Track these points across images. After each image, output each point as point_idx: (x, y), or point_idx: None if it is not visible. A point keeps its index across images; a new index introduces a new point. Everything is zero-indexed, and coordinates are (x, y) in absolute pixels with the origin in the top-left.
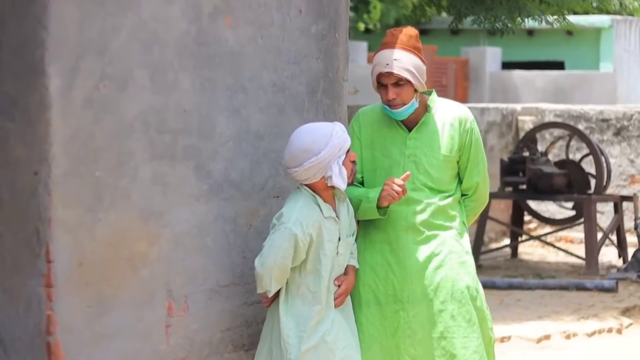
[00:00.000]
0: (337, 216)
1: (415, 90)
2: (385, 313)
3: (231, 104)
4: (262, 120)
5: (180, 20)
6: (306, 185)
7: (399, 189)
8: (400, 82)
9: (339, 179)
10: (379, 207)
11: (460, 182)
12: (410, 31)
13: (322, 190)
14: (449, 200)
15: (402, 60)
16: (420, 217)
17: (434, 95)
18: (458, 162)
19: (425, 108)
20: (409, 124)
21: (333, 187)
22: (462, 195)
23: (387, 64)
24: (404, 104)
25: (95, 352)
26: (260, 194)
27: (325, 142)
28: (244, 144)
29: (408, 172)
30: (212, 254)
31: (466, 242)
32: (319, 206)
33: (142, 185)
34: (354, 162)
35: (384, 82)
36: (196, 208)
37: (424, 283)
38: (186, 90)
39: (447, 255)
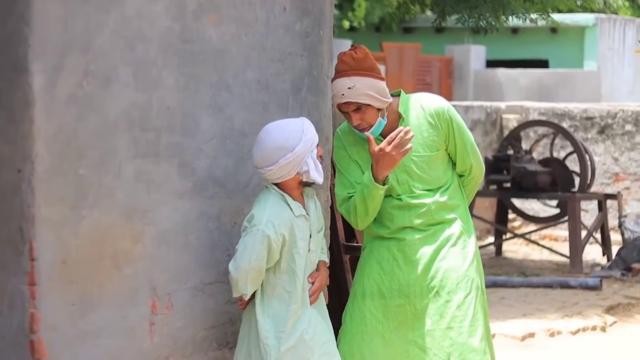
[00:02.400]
0: (306, 213)
1: (379, 109)
2: (389, 307)
3: (215, 102)
4: (246, 118)
5: (164, 18)
6: (275, 184)
7: (383, 147)
8: (360, 107)
9: (316, 173)
10: (378, 184)
11: (454, 165)
12: (359, 53)
13: (293, 188)
14: (449, 191)
15: (357, 87)
16: (423, 219)
17: (403, 95)
18: (447, 151)
19: (398, 115)
20: (387, 133)
21: (304, 185)
22: (460, 176)
23: (343, 94)
24: (371, 125)
25: (79, 350)
26: (244, 192)
27: (298, 137)
28: (228, 141)
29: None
30: (196, 252)
31: (470, 230)
32: (288, 205)
33: (125, 183)
34: (321, 157)
35: (345, 110)
36: (180, 206)
37: (430, 276)
38: (170, 88)
39: (451, 247)
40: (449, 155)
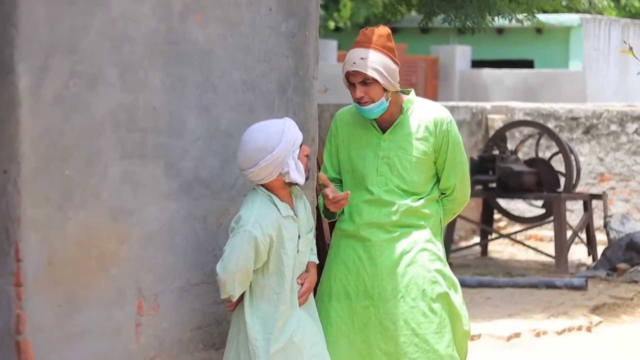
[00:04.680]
0: (295, 214)
1: (385, 90)
2: (354, 308)
3: (201, 102)
4: (232, 119)
5: (150, 19)
6: (262, 185)
7: (330, 201)
8: (367, 80)
9: (297, 174)
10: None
11: (438, 181)
12: (381, 30)
13: (279, 189)
14: (423, 201)
15: (370, 59)
16: (392, 218)
17: (412, 95)
18: (435, 163)
19: (401, 109)
20: (384, 125)
21: (290, 185)
22: (441, 194)
23: (354, 63)
24: (373, 102)
25: (65, 351)
26: (230, 193)
27: (278, 138)
28: (214, 142)
29: (348, 192)
30: (182, 253)
31: (440, 241)
32: (276, 206)
33: (112, 184)
34: (307, 156)
35: (352, 80)
36: (166, 206)
37: (395, 280)
38: (156, 89)
39: (418, 252)
40: (436, 170)
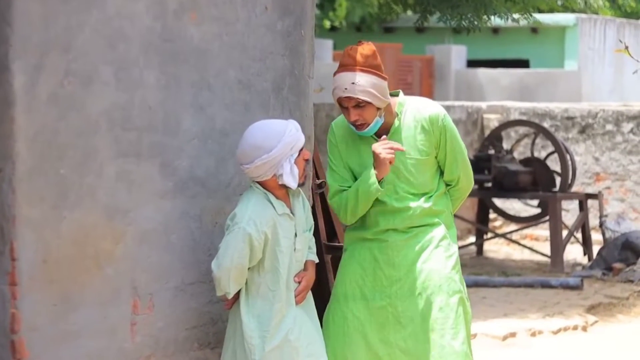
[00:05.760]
0: (291, 212)
1: (378, 108)
2: (370, 308)
3: (196, 101)
4: (228, 117)
5: (145, 17)
6: (258, 182)
7: (385, 149)
8: (360, 104)
9: (290, 178)
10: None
11: (442, 173)
12: (366, 50)
13: (275, 188)
14: (433, 198)
15: (361, 83)
16: (406, 222)
17: (402, 97)
18: (436, 158)
19: (394, 114)
20: (382, 132)
21: (284, 187)
22: (446, 185)
23: (346, 89)
24: (368, 124)
25: (60, 350)
26: (225, 191)
27: (277, 139)
28: (210, 141)
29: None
30: (178, 252)
31: (453, 236)
32: (271, 203)
33: (107, 183)
34: (307, 160)
35: (345, 104)
36: (161, 205)
37: (412, 278)
38: (151, 87)
39: (434, 250)
40: (438, 163)
